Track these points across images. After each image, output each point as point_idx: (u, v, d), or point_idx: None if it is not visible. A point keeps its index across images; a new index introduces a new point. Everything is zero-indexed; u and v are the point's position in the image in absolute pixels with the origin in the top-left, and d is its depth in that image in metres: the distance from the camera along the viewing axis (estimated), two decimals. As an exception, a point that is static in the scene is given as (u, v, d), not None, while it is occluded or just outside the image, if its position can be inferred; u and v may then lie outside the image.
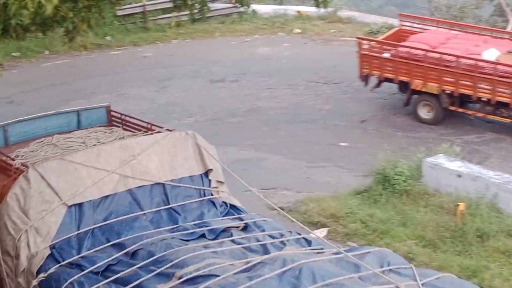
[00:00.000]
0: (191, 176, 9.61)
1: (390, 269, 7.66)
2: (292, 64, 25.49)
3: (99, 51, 27.57)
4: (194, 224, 9.00)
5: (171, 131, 10.13)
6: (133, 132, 10.78)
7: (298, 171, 17.96)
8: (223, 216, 9.43)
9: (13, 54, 26.60)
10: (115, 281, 7.76)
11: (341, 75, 24.23)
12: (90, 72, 25.21)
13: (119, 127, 11.13)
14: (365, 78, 21.59)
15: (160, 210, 9.21)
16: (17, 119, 10.92)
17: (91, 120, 11.34)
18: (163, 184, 9.39)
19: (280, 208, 15.99)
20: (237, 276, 7.20)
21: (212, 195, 9.60)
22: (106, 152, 9.34)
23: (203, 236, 8.71)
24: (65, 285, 7.96)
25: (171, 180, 9.46)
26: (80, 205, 8.96)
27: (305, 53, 26.81)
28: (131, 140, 9.68)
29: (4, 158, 9.75)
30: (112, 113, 11.46)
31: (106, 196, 9.11)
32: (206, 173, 9.75)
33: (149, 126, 10.59)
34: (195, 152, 9.80)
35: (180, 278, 7.39)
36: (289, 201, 16.23)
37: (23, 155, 10.01)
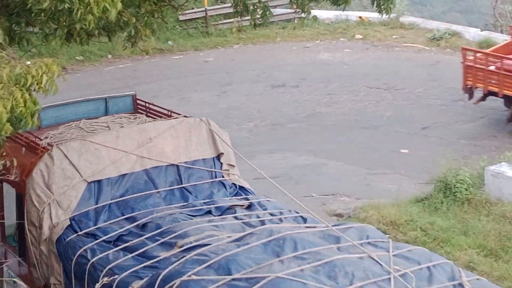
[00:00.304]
0: (203, 159, 10.24)
1: (368, 242, 8.31)
2: (353, 70, 25.37)
3: (161, 55, 27.83)
4: (204, 203, 9.68)
5: (187, 117, 10.77)
6: (155, 118, 11.35)
7: (358, 177, 17.85)
8: (232, 197, 10.09)
9: (76, 58, 27.00)
10: (124, 249, 8.64)
11: (403, 81, 24.03)
12: (152, 76, 25.45)
13: (143, 114, 11.71)
14: (468, 91, 20.73)
15: (173, 189, 9.91)
16: (49, 104, 11.50)
17: (118, 108, 11.93)
18: (177, 165, 10.04)
19: (339, 214, 15.94)
20: (228, 244, 8.05)
21: (222, 177, 10.23)
22: (125, 135, 10.11)
23: (209, 212, 9.40)
24: (79, 251, 8.81)
25: (185, 162, 10.09)
26: (99, 182, 9.72)
27: (366, 59, 26.67)
28: (149, 125, 10.44)
29: (32, 138, 10.49)
30: (138, 101, 12.08)
31: (124, 175, 9.86)
32: (218, 157, 10.35)
33: (169, 113, 11.20)
34: (208, 137, 10.37)
35: (181, 247, 8.28)
36: (348, 208, 16.15)
37: (51, 137, 10.74)
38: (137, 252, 8.51)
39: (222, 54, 28.02)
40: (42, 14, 8.26)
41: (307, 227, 8.82)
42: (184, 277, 7.45)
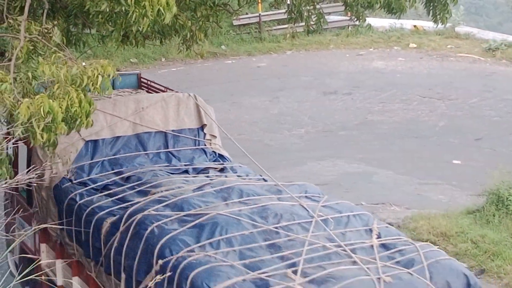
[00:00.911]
0: (189, 128, 11.60)
1: (305, 196, 9.68)
2: (406, 79, 25.21)
3: (214, 59, 27.98)
4: (184, 165, 11.12)
5: (177, 92, 12.20)
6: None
7: (409, 187, 17.71)
8: (210, 162, 11.45)
9: (131, 60, 27.28)
10: (107, 195, 10.08)
11: (457, 91, 23.80)
12: (205, 80, 25.58)
13: (144, 90, 13.12)
14: None
15: (159, 152, 11.28)
16: None
17: (124, 84, 12.91)
18: (165, 133, 11.40)
19: (389, 223, 15.84)
20: (187, 190, 9.74)
21: (205, 145, 11.57)
22: (121, 103, 11.34)
23: (186, 172, 10.86)
24: (70, 195, 10.19)
25: (172, 130, 11.43)
26: (95, 141, 11.04)
27: (420, 68, 26.48)
28: (143, 96, 11.85)
29: None
30: (142, 79, 13.37)
31: (117, 137, 11.20)
32: (202, 127, 11.69)
33: (165, 90, 12.52)
34: (194, 110, 11.70)
35: (153, 194, 9.74)
36: (398, 217, 16.02)
37: None
38: (116, 197, 9.97)
39: (274, 60, 28.06)
40: (100, 16, 8.37)
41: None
42: (145, 213, 9.00)
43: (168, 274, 7.95)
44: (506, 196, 15.21)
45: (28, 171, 6.65)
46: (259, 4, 29.29)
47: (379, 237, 8.58)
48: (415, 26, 30.56)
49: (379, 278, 7.61)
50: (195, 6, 10.57)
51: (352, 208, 9.35)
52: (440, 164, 18.93)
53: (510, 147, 19.73)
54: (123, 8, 7.79)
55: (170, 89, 12.56)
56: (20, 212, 11.01)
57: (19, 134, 7.26)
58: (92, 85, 7.68)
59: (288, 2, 11.90)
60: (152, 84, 13.11)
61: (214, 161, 11.38)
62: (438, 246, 14.72)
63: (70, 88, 7.55)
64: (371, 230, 8.71)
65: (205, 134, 11.63)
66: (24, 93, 7.85)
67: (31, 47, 8.10)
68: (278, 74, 26.16)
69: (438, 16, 11.38)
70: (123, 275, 8.80)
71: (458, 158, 19.20)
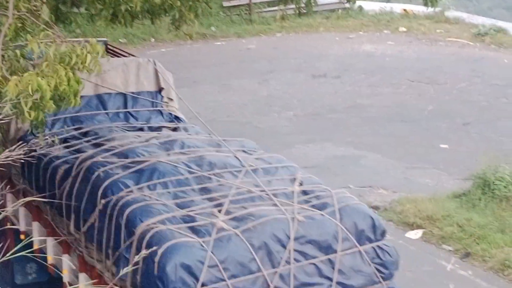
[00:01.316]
0: (147, 91, 12.33)
1: (243, 150, 10.52)
2: (395, 63, 25.23)
3: (203, 41, 27.90)
4: (140, 124, 11.87)
5: (138, 57, 12.98)
6: None
7: (396, 171, 17.78)
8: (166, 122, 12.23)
9: (120, 40, 27.16)
10: (65, 147, 10.87)
11: (446, 76, 23.85)
12: (194, 62, 25.54)
13: (110, 55, 13.65)
14: None
15: (118, 112, 11.98)
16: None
17: None
18: (125, 94, 12.08)
19: (376, 206, 15.91)
20: (135, 142, 10.66)
21: (162, 107, 12.29)
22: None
23: (141, 129, 11.59)
24: (32, 147, 10.78)
25: (131, 92, 12.11)
26: None
27: (410, 52, 26.51)
28: (105, 60, 12.41)
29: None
30: (108, 46, 13.95)
31: (80, 96, 11.84)
32: (160, 91, 12.40)
33: (128, 55, 13.31)
34: (153, 74, 12.39)
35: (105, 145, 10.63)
36: (385, 201, 16.10)
37: None
38: (73, 148, 10.77)
39: (264, 42, 28.02)
40: (89, -6, 8.34)
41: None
42: (93, 159, 9.97)
43: (109, 211, 9.05)
44: (493, 181, 15.30)
45: (15, 148, 6.64)
46: (250, -14, 29.28)
47: (301, 184, 9.49)
48: (405, 9, 30.56)
49: (293, 218, 8.60)
50: (184, -14, 10.53)
51: (282, 161, 10.29)
52: (428, 148, 19.00)
53: (498, 132, 19.81)
54: (112, -14, 7.76)
55: (132, 54, 13.51)
56: None
57: (6, 111, 7.25)
58: (81, 63, 7.66)
59: (279, -16, 11.89)
60: (117, 50, 13.99)
61: (170, 121, 12.11)
62: (424, 229, 14.86)
63: (59, 66, 7.53)
64: (295, 179, 9.62)
65: (162, 97, 12.39)
66: (12, 70, 7.83)
67: (20, 25, 8.07)
68: (268, 57, 26.13)
69: (429, 0, 11.40)
70: (72, 216, 9.81)
71: (445, 143, 19.27)
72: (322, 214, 8.80)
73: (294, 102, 22.08)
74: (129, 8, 7.91)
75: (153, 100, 12.28)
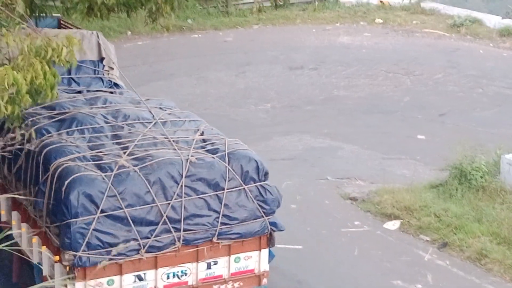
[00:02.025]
0: (90, 60, 13.34)
1: (160, 108, 11.98)
2: (372, 54, 25.30)
3: (180, 33, 27.81)
4: (80, 88, 12.94)
5: (83, 30, 14.04)
6: None
7: (373, 162, 17.85)
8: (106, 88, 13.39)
9: (96, 33, 27.01)
10: None
11: (422, 67, 23.94)
12: (171, 54, 25.46)
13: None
14: None
15: (62, 78, 12.04)
16: None
17: (46, 25, 13.64)
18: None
19: (354, 198, 15.98)
20: (66, 99, 11.97)
21: (103, 75, 13.37)
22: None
23: (79, 92, 12.71)
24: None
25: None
26: None
27: (386, 44, 26.58)
28: (51, 31, 12.50)
29: None
30: (61, 22, 14.99)
31: None
32: (101, 60, 13.45)
33: (76, 29, 14.20)
34: (96, 45, 13.40)
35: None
36: (363, 192, 16.16)
37: None
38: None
39: (241, 34, 27.98)
40: (64, -13, 8.30)
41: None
42: (25, 111, 10.62)
43: (31, 153, 10.48)
44: (469, 171, 15.39)
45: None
46: (226, -22, 29.21)
47: (202, 134, 11.00)
48: (381, 1, 30.61)
49: (187, 159, 10.08)
50: (160, -22, 10.51)
51: (190, 116, 11.84)
52: (404, 139, 19.09)
53: (473, 123, 19.94)
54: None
55: (79, 29, 14.60)
56: None
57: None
58: (57, 57, 7.63)
59: (255, -24, 11.88)
60: (68, 25, 14.97)
61: (109, 87, 13.23)
62: (402, 220, 14.93)
63: (35, 60, 7.50)
64: (198, 130, 11.11)
65: (104, 66, 13.48)
66: (-12, 64, 7.78)
67: (-5, 18, 8.02)
68: (245, 49, 26.10)
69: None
70: (6, 160, 11.12)
71: (422, 133, 19.37)
72: (213, 157, 10.28)
73: (271, 94, 22.09)
74: (105, 1, 7.86)
75: (94, 68, 13.40)
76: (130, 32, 27.39)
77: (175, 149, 10.36)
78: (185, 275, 10.16)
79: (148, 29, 26.02)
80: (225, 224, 10.19)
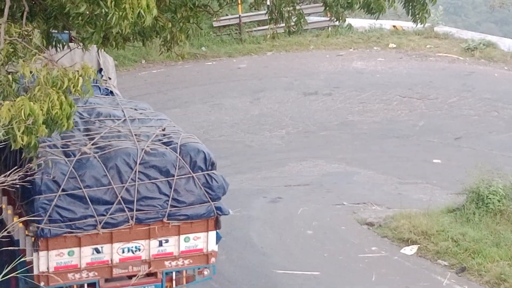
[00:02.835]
0: None
1: (135, 109, 13.09)
2: (386, 79, 25.30)
3: (194, 61, 27.93)
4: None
5: None
6: None
7: (389, 186, 17.79)
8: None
9: (111, 62, 27.15)
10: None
11: (436, 91, 23.92)
12: (185, 82, 25.55)
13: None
14: None
15: None
16: None
17: (59, 40, 14.73)
18: None
19: (370, 223, 15.92)
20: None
21: (102, 84, 14.29)
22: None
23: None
24: None
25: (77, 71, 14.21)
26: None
27: (400, 68, 26.58)
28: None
29: None
30: (72, 37, 15.47)
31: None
32: (100, 71, 14.52)
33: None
34: (95, 57, 14.47)
35: None
36: (380, 217, 16.09)
37: None
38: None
39: (255, 61, 28.06)
40: (80, 18, 8.36)
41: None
42: None
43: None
44: (486, 195, 15.31)
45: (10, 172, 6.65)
46: (239, 5, 29.28)
47: (163, 130, 12.02)
48: (394, 26, 30.66)
49: (142, 149, 11.24)
50: (175, 7, 10.57)
51: (159, 115, 13.02)
52: (420, 163, 19.03)
53: (489, 146, 19.86)
54: (103, 10, 7.78)
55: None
56: None
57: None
58: (73, 87, 7.67)
59: (268, 3, 11.92)
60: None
61: (105, 95, 14.18)
62: (419, 245, 14.85)
63: (51, 90, 7.54)
64: (161, 127, 12.13)
65: (102, 75, 14.48)
66: (5, 95, 7.84)
67: (11, 50, 8.08)
68: (259, 75, 26.17)
69: (417, 16, 11.46)
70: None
71: (438, 157, 19.31)
72: (166, 148, 11.43)
73: (286, 120, 22.11)
74: (120, 31, 7.92)
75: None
76: (144, 61, 27.53)
77: (134, 141, 11.55)
78: (139, 251, 11.35)
79: (163, 57, 26.13)
80: (174, 206, 11.32)
